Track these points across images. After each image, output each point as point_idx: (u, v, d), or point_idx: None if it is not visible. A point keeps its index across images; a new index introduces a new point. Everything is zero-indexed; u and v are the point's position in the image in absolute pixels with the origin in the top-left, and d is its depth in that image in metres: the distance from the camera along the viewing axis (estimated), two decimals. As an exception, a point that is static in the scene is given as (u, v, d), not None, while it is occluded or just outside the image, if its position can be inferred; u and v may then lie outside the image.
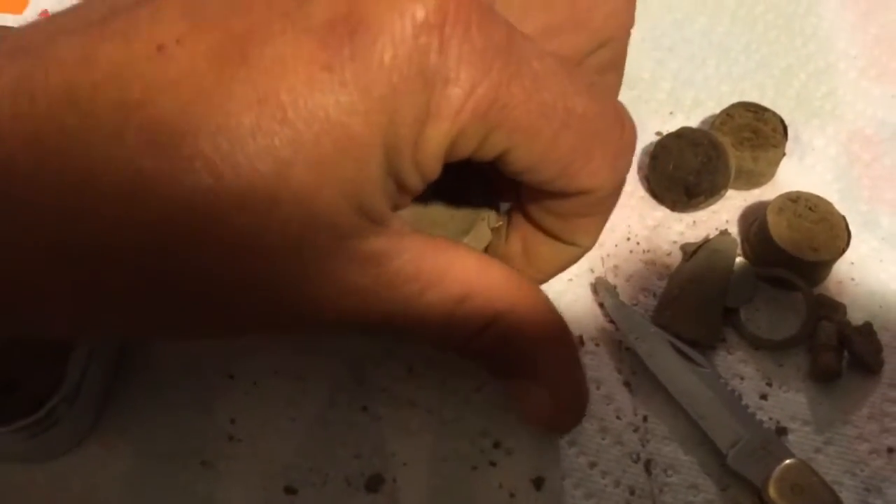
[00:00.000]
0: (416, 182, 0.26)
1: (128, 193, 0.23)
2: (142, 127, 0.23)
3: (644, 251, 0.45)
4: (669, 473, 0.38)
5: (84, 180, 0.23)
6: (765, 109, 0.46)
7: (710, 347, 0.41)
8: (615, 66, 0.35)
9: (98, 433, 0.39)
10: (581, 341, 0.41)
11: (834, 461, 0.39)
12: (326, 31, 0.23)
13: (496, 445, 0.39)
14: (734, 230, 0.45)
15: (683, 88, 0.51)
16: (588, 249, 0.33)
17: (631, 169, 0.46)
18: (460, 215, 0.34)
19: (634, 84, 0.51)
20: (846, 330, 0.41)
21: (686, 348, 0.40)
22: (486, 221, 0.34)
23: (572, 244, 0.33)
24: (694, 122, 0.49)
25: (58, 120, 0.23)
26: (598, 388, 0.40)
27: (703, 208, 0.46)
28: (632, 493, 0.38)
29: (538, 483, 0.38)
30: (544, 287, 0.34)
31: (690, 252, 0.43)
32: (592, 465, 0.39)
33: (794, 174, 0.47)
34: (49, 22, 0.25)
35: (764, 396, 0.40)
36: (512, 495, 0.38)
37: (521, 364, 0.31)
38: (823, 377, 0.40)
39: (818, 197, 0.43)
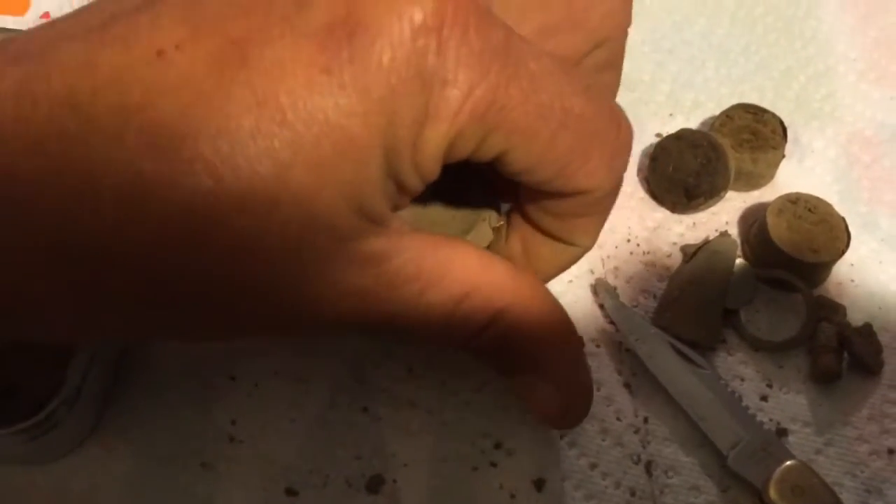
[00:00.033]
0: (415, 183, 0.26)
1: (128, 196, 0.23)
2: (142, 130, 0.23)
3: (644, 253, 0.45)
4: (670, 475, 0.39)
5: (85, 183, 0.23)
6: (764, 111, 0.46)
7: (710, 349, 0.41)
8: (613, 66, 0.35)
9: (98, 435, 0.39)
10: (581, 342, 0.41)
11: (834, 462, 0.39)
12: (325, 34, 0.23)
13: (497, 446, 0.39)
14: (734, 232, 0.45)
15: (683, 90, 0.51)
16: (587, 249, 0.34)
17: (631, 170, 0.47)
18: (461, 215, 0.34)
19: (634, 86, 0.51)
20: (846, 331, 0.41)
21: (686, 350, 0.40)
22: (488, 221, 0.34)
23: (572, 244, 0.33)
24: (693, 123, 0.49)
25: (59, 124, 0.23)
26: (598, 389, 0.40)
27: (702, 210, 0.46)
28: (632, 494, 0.38)
29: (539, 484, 0.38)
30: (544, 289, 0.34)
31: (690, 253, 0.43)
32: (593, 466, 0.39)
33: (793, 176, 0.47)
34: (51, 27, 0.25)
35: (764, 398, 0.40)
36: (512, 496, 0.38)
37: (525, 360, 0.31)
38: (823, 378, 0.40)
39: (818, 198, 0.43)
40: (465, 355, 0.31)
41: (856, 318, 0.42)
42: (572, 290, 0.43)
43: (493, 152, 0.26)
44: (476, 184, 0.34)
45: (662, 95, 0.51)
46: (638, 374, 0.41)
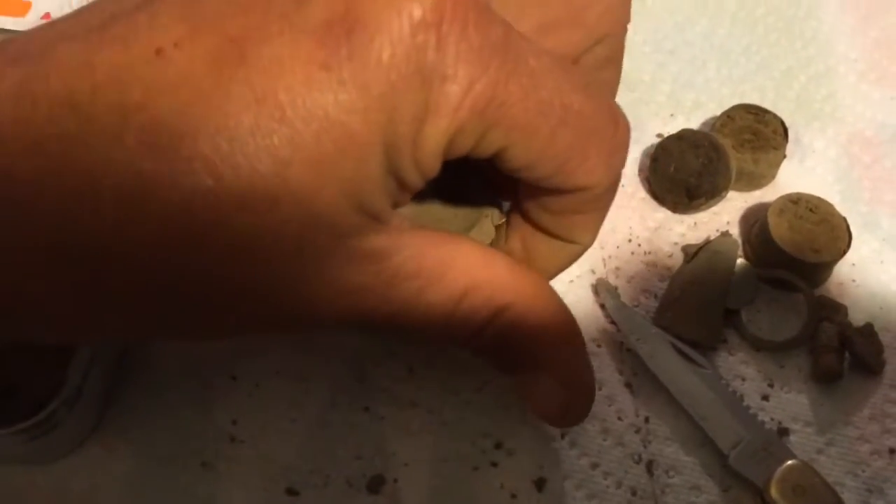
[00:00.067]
0: (415, 180, 0.26)
1: (128, 195, 0.23)
2: (141, 129, 0.23)
3: (645, 253, 0.45)
4: (671, 474, 0.38)
5: (85, 183, 0.23)
6: (765, 111, 0.46)
7: (711, 349, 0.41)
8: (613, 63, 0.35)
9: (99, 435, 0.39)
10: (582, 342, 0.41)
11: (835, 462, 0.39)
12: (324, 30, 0.23)
13: (497, 446, 0.39)
14: (735, 232, 0.45)
15: (684, 90, 0.51)
16: (587, 247, 0.33)
17: (632, 171, 0.47)
18: (464, 213, 0.34)
19: (635, 86, 0.51)
20: (847, 331, 0.41)
21: (687, 349, 0.40)
22: (490, 219, 0.34)
23: (572, 242, 0.33)
24: (694, 123, 0.49)
25: (58, 124, 0.23)
26: (599, 389, 0.40)
27: (703, 210, 0.46)
28: (633, 493, 0.38)
29: (540, 484, 0.38)
30: (545, 288, 0.34)
31: (692, 253, 0.43)
32: (594, 465, 0.39)
33: (794, 176, 0.47)
34: (50, 27, 0.25)
35: (765, 397, 0.40)
36: (513, 496, 0.38)
37: (527, 357, 0.31)
38: (825, 378, 0.40)
39: (819, 198, 0.43)
40: (466, 354, 0.31)
41: (857, 317, 0.42)
42: (573, 290, 0.43)
43: (493, 149, 0.26)
44: (478, 181, 0.34)
45: (663, 96, 0.51)
46: (639, 374, 0.41)
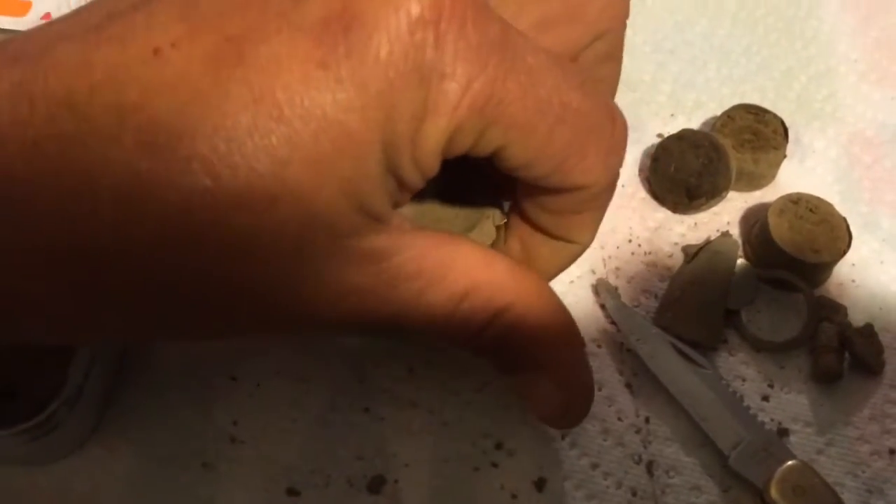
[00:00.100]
0: (415, 179, 0.26)
1: (126, 196, 0.23)
2: (139, 129, 0.23)
3: (645, 253, 0.45)
4: (671, 475, 0.39)
5: (83, 183, 0.23)
6: (765, 111, 0.46)
7: (711, 349, 0.41)
8: (612, 58, 0.35)
9: (100, 435, 0.39)
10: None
11: (835, 462, 0.39)
12: (321, 28, 0.23)
13: (498, 446, 0.39)
14: (735, 232, 0.45)
15: (684, 91, 0.51)
16: (586, 246, 0.33)
17: (632, 171, 0.47)
18: (464, 213, 0.34)
19: (636, 86, 0.51)
20: (847, 331, 0.41)
21: (687, 350, 0.40)
22: (491, 219, 0.34)
23: (571, 242, 0.33)
24: (695, 123, 0.49)
25: (56, 124, 0.23)
26: (599, 389, 0.40)
27: (704, 210, 0.46)
28: (634, 494, 0.38)
29: (540, 484, 0.38)
30: (545, 289, 0.34)
31: (692, 254, 0.43)
32: (594, 466, 0.39)
33: (794, 176, 0.47)
34: (48, 27, 0.25)
35: (765, 398, 0.40)
36: (514, 496, 0.38)
37: (527, 358, 0.31)
38: (825, 378, 0.40)
39: (819, 199, 0.43)
40: (466, 354, 0.31)
41: (857, 318, 0.42)
42: (574, 291, 0.43)
43: (492, 147, 0.26)
44: (479, 182, 0.34)
45: (664, 96, 0.51)
46: (639, 375, 0.41)
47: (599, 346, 0.42)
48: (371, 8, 0.23)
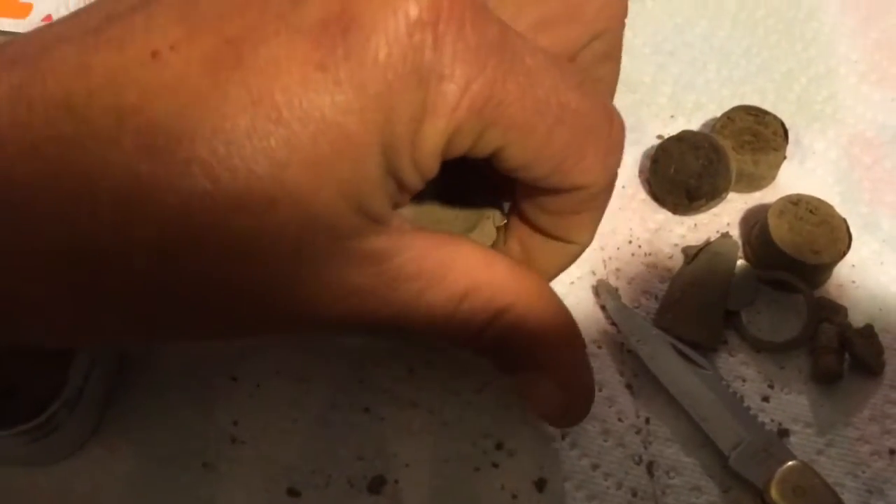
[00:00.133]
0: (414, 180, 0.26)
1: (125, 198, 0.23)
2: (138, 132, 0.23)
3: (645, 254, 0.45)
4: (672, 475, 0.39)
5: (82, 185, 0.23)
6: (765, 113, 0.46)
7: (711, 350, 0.41)
8: (611, 58, 0.35)
9: (100, 436, 0.39)
10: (583, 344, 0.41)
11: (836, 463, 0.39)
12: (320, 30, 0.23)
13: (498, 447, 0.39)
14: (735, 233, 0.45)
15: (684, 92, 0.51)
16: (586, 247, 0.33)
17: (632, 172, 0.47)
18: (464, 214, 0.34)
19: (636, 88, 0.51)
20: (847, 332, 0.41)
21: (688, 350, 0.40)
22: (492, 220, 0.34)
23: (570, 242, 0.33)
24: (695, 125, 0.49)
25: (55, 127, 0.23)
26: (600, 390, 0.40)
27: (704, 211, 0.46)
28: (634, 494, 0.38)
29: (540, 485, 0.38)
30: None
31: (692, 255, 0.43)
32: (595, 466, 0.39)
33: (794, 177, 0.47)
34: (47, 30, 0.25)
35: (765, 398, 0.40)
36: (514, 497, 0.38)
37: (527, 358, 0.31)
38: (825, 379, 0.40)
39: (819, 200, 0.43)
40: (466, 354, 0.31)
41: (857, 319, 0.42)
42: (574, 292, 0.43)
43: (491, 148, 0.26)
44: (478, 183, 0.34)
45: (664, 97, 0.51)
46: (639, 375, 0.41)
47: (600, 347, 0.42)
48: (369, 10, 0.23)
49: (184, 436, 0.39)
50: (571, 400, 0.33)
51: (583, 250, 0.34)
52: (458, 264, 0.28)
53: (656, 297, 0.43)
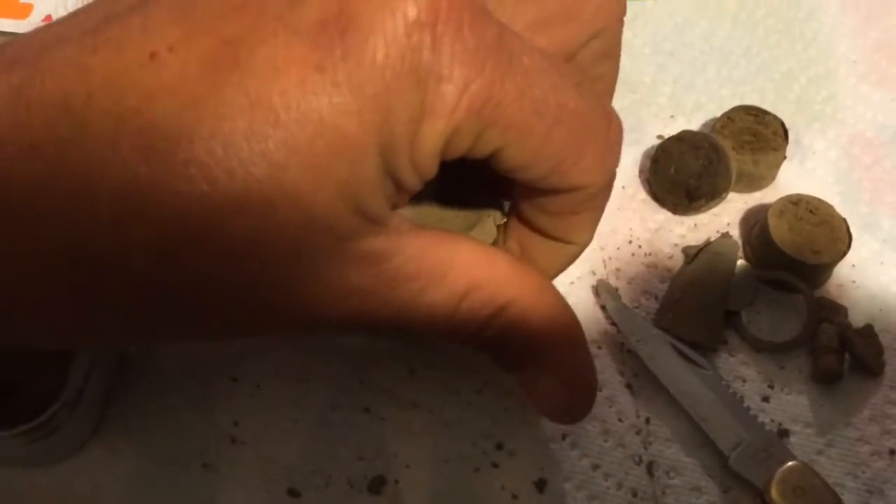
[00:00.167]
0: (413, 181, 0.26)
1: (124, 199, 0.23)
2: (136, 134, 0.23)
3: (646, 254, 0.45)
4: (672, 475, 0.39)
5: (82, 186, 0.23)
6: (765, 113, 0.46)
7: (711, 350, 0.41)
8: (610, 56, 0.35)
9: (101, 436, 0.39)
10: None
11: (836, 463, 0.39)
12: (317, 31, 0.23)
13: (498, 447, 0.39)
14: (735, 233, 0.45)
15: (684, 92, 0.51)
16: (585, 247, 0.33)
17: (632, 172, 0.47)
18: (465, 213, 0.34)
19: (636, 88, 0.51)
20: (847, 332, 0.41)
21: (688, 350, 0.40)
22: (493, 218, 0.34)
23: (569, 242, 0.33)
24: (695, 125, 0.49)
25: (54, 129, 0.23)
26: (600, 390, 0.40)
27: (704, 211, 0.46)
28: (634, 495, 0.38)
29: (540, 485, 0.38)
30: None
31: (692, 255, 0.43)
32: (595, 467, 0.39)
33: (794, 177, 0.47)
34: (46, 30, 0.25)
35: (765, 398, 0.40)
36: (514, 497, 0.38)
37: (529, 354, 0.31)
38: (825, 379, 0.40)
39: (819, 200, 0.43)
40: (467, 355, 0.31)
41: (857, 319, 0.42)
42: (574, 292, 0.43)
43: (489, 149, 0.26)
44: (478, 182, 0.34)
45: (664, 97, 0.51)
46: (639, 375, 0.41)
47: (600, 348, 0.42)
48: (367, 11, 0.23)
49: (184, 436, 0.39)
50: (573, 397, 0.33)
51: (582, 250, 0.34)
52: (459, 262, 0.28)
53: (656, 297, 0.43)
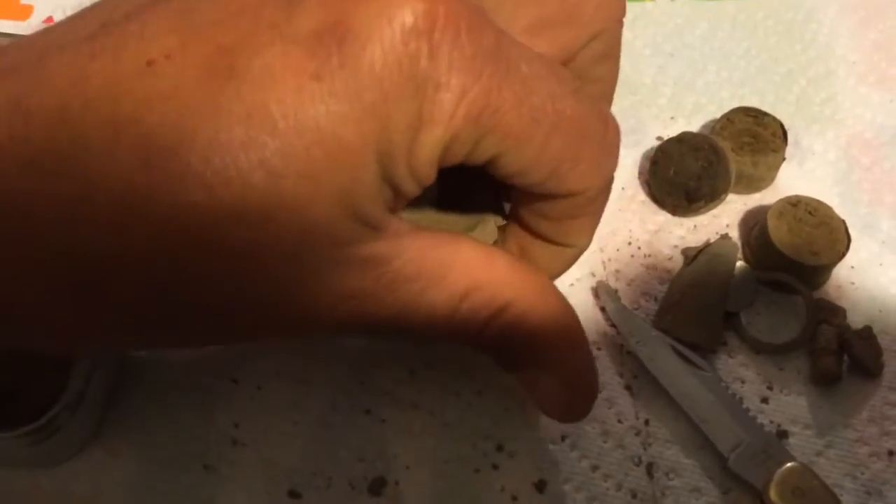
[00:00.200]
0: (411, 187, 0.26)
1: (122, 207, 0.23)
2: (134, 143, 0.23)
3: (645, 255, 0.45)
4: (671, 477, 0.39)
5: (81, 194, 0.23)
6: (765, 114, 0.46)
7: (711, 351, 0.41)
8: (609, 58, 0.35)
9: (102, 438, 0.39)
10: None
11: (835, 464, 0.39)
12: (314, 40, 0.23)
13: (498, 448, 0.39)
14: (735, 234, 0.45)
15: (684, 93, 0.51)
16: (584, 250, 0.34)
17: (632, 173, 0.47)
18: (465, 215, 0.34)
19: (636, 89, 0.51)
20: (846, 334, 0.41)
21: (687, 352, 0.40)
22: (493, 220, 0.34)
23: (568, 246, 0.33)
24: (695, 126, 0.49)
25: (52, 139, 0.23)
26: (600, 391, 0.40)
27: (703, 213, 0.46)
28: (634, 496, 0.38)
29: (540, 486, 0.38)
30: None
31: (691, 256, 0.43)
32: (594, 468, 0.39)
33: (794, 178, 0.47)
34: (43, 36, 0.25)
35: (765, 400, 0.41)
36: (514, 498, 0.38)
37: (529, 354, 0.31)
38: (824, 381, 0.40)
39: (818, 201, 0.43)
40: (467, 356, 0.32)
41: (856, 320, 0.42)
42: (574, 294, 0.43)
43: (487, 156, 0.26)
44: (478, 185, 0.34)
45: (664, 98, 0.51)
46: (639, 377, 0.41)
47: (599, 349, 0.42)
48: (364, 18, 0.23)
49: (185, 438, 0.39)
50: (574, 396, 0.33)
51: (581, 254, 0.34)
52: (458, 263, 0.28)
53: (656, 299, 0.43)
